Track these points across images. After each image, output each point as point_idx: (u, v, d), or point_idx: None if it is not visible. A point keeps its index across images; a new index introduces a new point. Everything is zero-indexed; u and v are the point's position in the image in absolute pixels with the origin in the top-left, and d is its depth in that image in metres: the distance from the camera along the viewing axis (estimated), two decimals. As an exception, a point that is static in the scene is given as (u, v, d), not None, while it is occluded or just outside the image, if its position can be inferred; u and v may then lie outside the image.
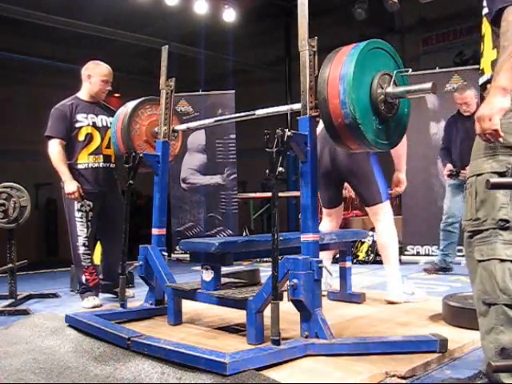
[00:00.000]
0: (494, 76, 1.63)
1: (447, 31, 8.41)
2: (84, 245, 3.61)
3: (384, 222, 3.30)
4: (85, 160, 3.64)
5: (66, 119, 3.61)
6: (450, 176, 4.66)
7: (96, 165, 3.66)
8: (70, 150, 3.63)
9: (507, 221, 1.63)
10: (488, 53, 1.75)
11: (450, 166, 4.66)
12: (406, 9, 7.75)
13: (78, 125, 3.63)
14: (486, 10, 1.69)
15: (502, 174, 1.64)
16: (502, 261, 1.63)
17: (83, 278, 3.61)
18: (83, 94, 3.75)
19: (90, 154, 3.64)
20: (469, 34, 8.07)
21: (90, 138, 3.65)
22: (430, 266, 4.94)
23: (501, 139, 1.62)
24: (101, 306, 3.54)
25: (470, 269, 1.78)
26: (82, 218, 3.61)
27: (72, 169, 3.61)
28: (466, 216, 1.74)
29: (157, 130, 3.24)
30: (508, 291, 1.61)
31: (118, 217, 3.42)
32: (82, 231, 3.61)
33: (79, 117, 3.64)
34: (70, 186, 3.53)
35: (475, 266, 1.71)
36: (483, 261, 1.67)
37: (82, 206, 3.60)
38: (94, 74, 3.70)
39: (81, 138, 3.63)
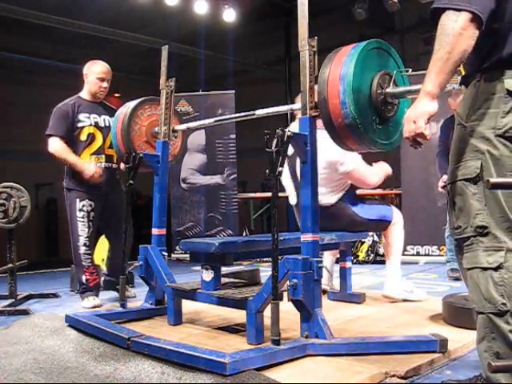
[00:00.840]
0: (424, 79, 1.63)
1: (447, 31, 8.40)
2: (85, 245, 3.60)
3: (394, 226, 3.33)
4: (87, 160, 3.63)
5: (68, 118, 3.60)
6: (444, 188, 4.43)
7: (98, 165, 3.65)
8: (72, 150, 3.62)
9: (485, 227, 1.60)
10: None
11: (444, 178, 4.51)
12: (406, 9, 7.74)
13: (79, 124, 3.63)
14: None
15: (472, 180, 1.62)
16: (484, 269, 1.60)
17: (83, 278, 3.61)
18: (85, 93, 3.75)
19: (92, 153, 3.64)
20: (469, 34, 8.06)
21: (92, 137, 3.64)
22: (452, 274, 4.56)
23: (428, 137, 1.65)
24: (101, 306, 3.53)
25: (463, 274, 1.77)
26: (83, 217, 3.61)
27: (74, 168, 3.62)
28: (450, 225, 1.75)
29: (157, 130, 3.24)
30: (492, 300, 1.58)
31: (123, 214, 3.43)
32: (83, 231, 3.60)
33: (81, 116, 3.64)
34: (88, 168, 3.54)
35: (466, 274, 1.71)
36: (469, 269, 1.65)
37: (83, 205, 3.61)
38: (90, 73, 3.70)
39: (83, 137, 3.63)
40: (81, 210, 3.60)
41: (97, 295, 3.63)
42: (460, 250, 1.70)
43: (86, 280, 3.60)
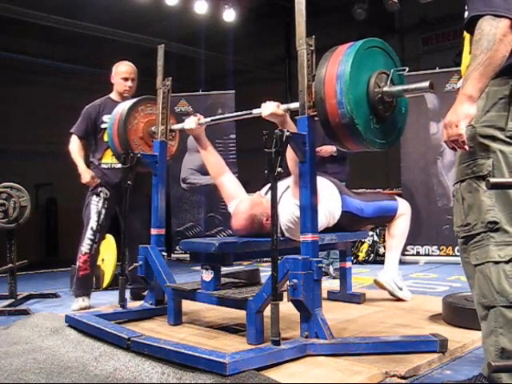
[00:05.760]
0: (463, 83, 1.66)
1: (447, 31, 8.39)
2: (91, 229, 3.61)
3: (398, 218, 3.23)
4: (108, 160, 3.69)
5: (90, 120, 3.69)
6: None
7: (119, 165, 3.65)
8: (96, 150, 3.72)
9: (496, 222, 1.65)
10: (466, 57, 1.79)
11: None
12: (406, 9, 7.74)
13: (103, 126, 3.68)
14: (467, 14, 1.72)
15: (483, 178, 1.66)
16: (496, 263, 1.64)
17: (76, 265, 3.60)
18: (113, 94, 3.83)
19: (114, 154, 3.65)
20: (469, 34, 8.06)
21: None
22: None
23: (466, 147, 1.65)
24: (89, 308, 3.49)
25: (468, 274, 1.79)
26: (98, 202, 3.64)
27: (96, 168, 3.69)
28: (457, 222, 1.77)
29: (154, 129, 3.23)
30: (504, 293, 1.62)
31: (137, 221, 3.50)
32: (95, 214, 3.62)
33: (105, 118, 3.69)
34: (84, 176, 3.62)
35: (472, 271, 1.73)
36: (479, 265, 1.69)
37: (101, 191, 3.66)
38: (115, 74, 3.80)
39: (106, 138, 3.65)
40: (98, 194, 3.65)
41: (87, 295, 3.59)
42: (466, 247, 1.73)
43: (78, 267, 3.58)
